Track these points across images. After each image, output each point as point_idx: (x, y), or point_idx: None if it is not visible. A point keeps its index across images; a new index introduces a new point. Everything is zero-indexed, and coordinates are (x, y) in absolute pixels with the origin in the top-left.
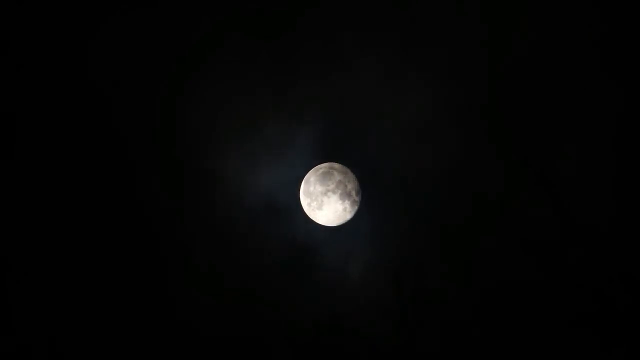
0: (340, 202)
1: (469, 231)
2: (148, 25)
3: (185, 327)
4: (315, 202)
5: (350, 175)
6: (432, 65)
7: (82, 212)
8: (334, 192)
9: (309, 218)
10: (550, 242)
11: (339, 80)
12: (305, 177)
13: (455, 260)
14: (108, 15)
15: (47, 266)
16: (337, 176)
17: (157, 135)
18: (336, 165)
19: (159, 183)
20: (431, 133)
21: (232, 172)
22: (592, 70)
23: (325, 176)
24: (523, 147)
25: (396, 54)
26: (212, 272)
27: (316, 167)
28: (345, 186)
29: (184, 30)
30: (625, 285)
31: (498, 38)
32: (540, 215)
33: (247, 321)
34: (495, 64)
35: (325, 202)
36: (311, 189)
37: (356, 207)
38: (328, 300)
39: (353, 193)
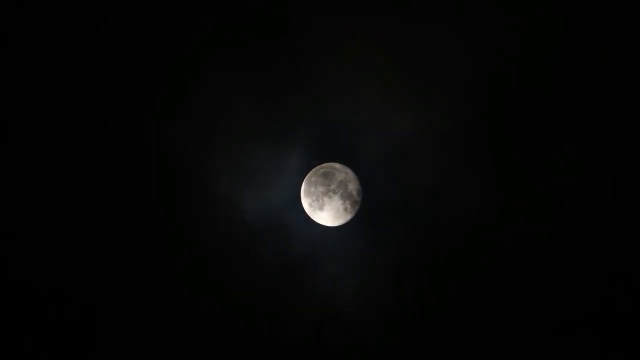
0: (341, 202)
1: (469, 231)
2: (143, 34)
3: (185, 329)
4: (316, 202)
5: (352, 175)
6: (434, 67)
7: (78, 228)
8: (335, 192)
9: (309, 218)
10: (550, 242)
11: (340, 80)
12: (306, 177)
13: (455, 260)
14: (108, 15)
15: (42, 290)
16: (339, 176)
17: (154, 139)
18: (337, 165)
19: (155, 181)
20: (432, 133)
21: (233, 173)
22: (590, 70)
23: (327, 176)
24: (523, 148)
25: (398, 54)
26: (211, 273)
27: (317, 167)
28: (347, 186)
29: (178, 36)
30: (625, 285)
31: (497, 41)
32: (541, 215)
33: (246, 321)
34: (494, 67)
35: (327, 202)
36: (312, 189)
37: (357, 207)
38: (328, 300)
39: (354, 193)
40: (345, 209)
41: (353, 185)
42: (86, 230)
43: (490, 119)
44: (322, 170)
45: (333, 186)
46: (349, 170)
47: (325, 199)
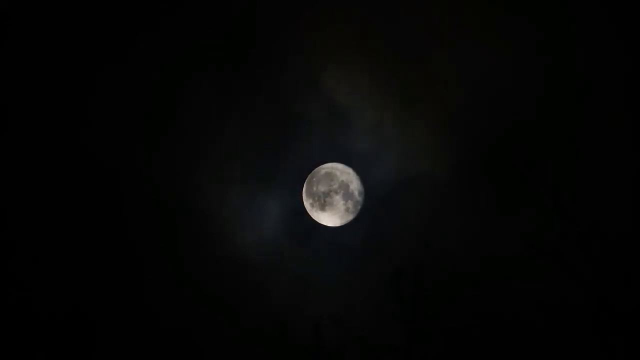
0: (342, 202)
1: (469, 232)
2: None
3: (185, 330)
4: (318, 203)
5: (353, 175)
6: (434, 70)
7: (78, 261)
8: (336, 192)
9: (311, 218)
10: (551, 243)
11: (340, 81)
12: (308, 177)
13: (455, 260)
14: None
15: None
16: (340, 177)
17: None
18: (339, 165)
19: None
20: (432, 133)
21: (234, 173)
22: (588, 71)
23: (328, 177)
24: (523, 151)
25: (401, 56)
26: (211, 275)
27: (319, 167)
28: (348, 186)
29: (173, 58)
30: (625, 285)
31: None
32: (541, 216)
33: (247, 322)
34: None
35: (328, 203)
36: (314, 189)
37: (359, 207)
38: (328, 301)
39: (356, 193)
40: (347, 209)
41: (354, 186)
42: (87, 269)
43: (490, 123)
44: (323, 171)
45: (335, 186)
46: (350, 171)
47: (327, 199)
